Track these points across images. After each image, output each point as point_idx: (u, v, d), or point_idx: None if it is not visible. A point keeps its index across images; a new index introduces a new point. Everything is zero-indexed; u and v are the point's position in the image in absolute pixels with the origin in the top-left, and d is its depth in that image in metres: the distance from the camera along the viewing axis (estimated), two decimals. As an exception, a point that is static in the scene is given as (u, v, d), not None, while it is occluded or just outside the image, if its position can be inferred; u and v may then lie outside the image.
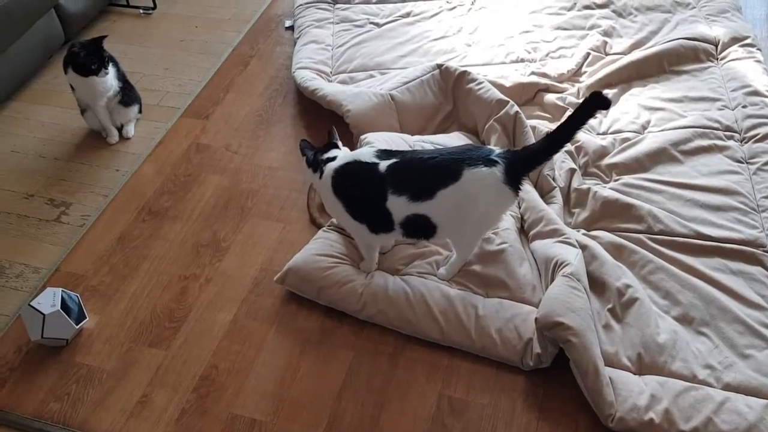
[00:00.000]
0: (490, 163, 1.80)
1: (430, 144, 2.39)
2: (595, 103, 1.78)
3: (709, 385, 1.75)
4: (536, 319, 1.81)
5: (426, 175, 1.84)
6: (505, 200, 1.87)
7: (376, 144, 2.28)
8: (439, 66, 2.60)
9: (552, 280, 1.92)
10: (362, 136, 2.39)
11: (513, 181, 1.82)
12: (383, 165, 1.87)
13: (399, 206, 1.86)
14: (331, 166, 1.94)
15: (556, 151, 1.86)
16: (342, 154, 1.97)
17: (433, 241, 2.08)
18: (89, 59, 2.52)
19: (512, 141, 2.39)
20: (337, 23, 3.12)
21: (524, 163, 1.85)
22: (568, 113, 2.45)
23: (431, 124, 2.57)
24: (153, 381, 1.92)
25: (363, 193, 1.92)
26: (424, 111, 2.56)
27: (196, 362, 1.96)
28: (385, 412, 1.81)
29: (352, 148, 2.47)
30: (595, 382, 1.70)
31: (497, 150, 1.85)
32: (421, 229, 1.90)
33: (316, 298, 2.04)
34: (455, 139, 2.46)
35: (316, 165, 1.98)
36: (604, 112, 1.85)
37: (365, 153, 1.94)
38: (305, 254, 2.10)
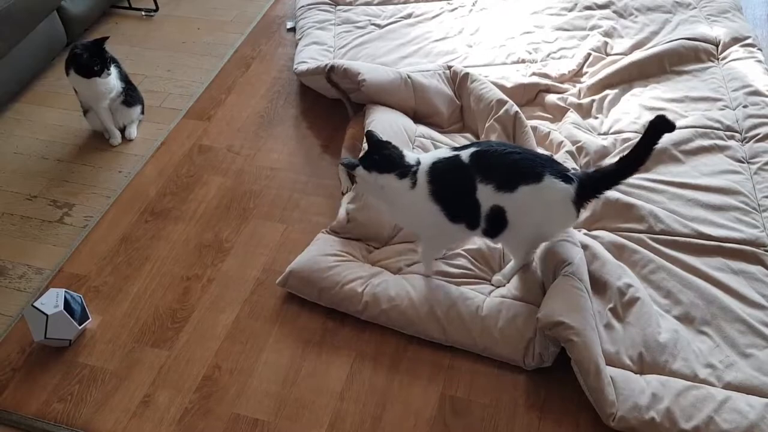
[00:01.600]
0: (567, 179, 1.81)
1: (429, 140, 2.40)
2: (661, 125, 1.79)
3: (710, 384, 1.75)
4: (537, 318, 1.81)
5: (511, 168, 1.81)
6: (568, 220, 1.88)
7: (380, 130, 2.29)
8: (449, 67, 2.63)
9: (554, 279, 1.92)
10: (367, 120, 2.39)
11: (579, 203, 1.83)
12: (465, 154, 1.84)
13: (486, 195, 1.82)
14: (422, 172, 1.85)
15: (627, 176, 1.86)
16: (423, 157, 1.89)
17: (496, 240, 1.98)
18: (92, 60, 2.53)
19: (512, 141, 2.40)
20: (339, 25, 3.13)
21: (594, 186, 1.86)
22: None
23: (447, 110, 2.57)
24: (156, 381, 1.93)
25: (458, 187, 1.84)
26: (441, 94, 2.57)
27: (199, 362, 1.96)
28: (387, 413, 1.82)
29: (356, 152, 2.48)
30: (597, 381, 1.70)
31: (571, 168, 1.86)
32: (496, 224, 1.86)
33: (318, 299, 2.05)
34: (460, 139, 2.48)
35: (406, 174, 1.84)
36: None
37: (440, 152, 1.91)
38: (306, 256, 2.11)
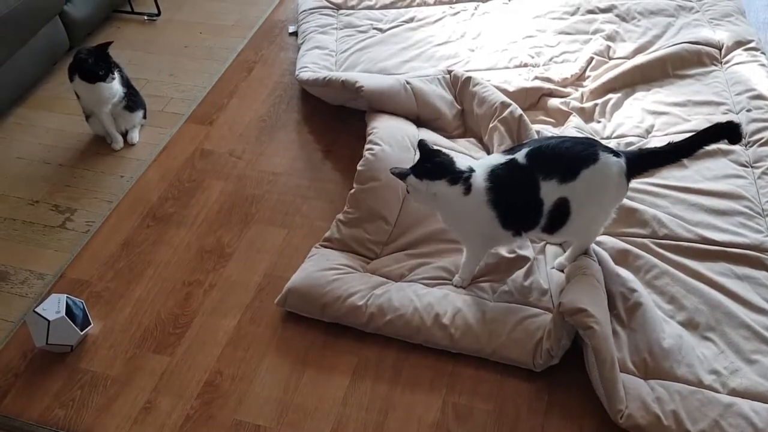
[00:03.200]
0: (616, 154, 1.81)
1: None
2: (726, 131, 1.81)
3: (715, 390, 1.74)
4: (560, 303, 1.80)
5: (568, 155, 1.80)
6: (620, 195, 1.88)
7: (383, 138, 2.31)
8: (449, 72, 2.63)
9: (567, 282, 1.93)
10: (368, 129, 2.40)
11: (628, 177, 1.83)
12: (520, 156, 1.82)
13: (550, 191, 1.80)
14: (478, 179, 1.82)
15: (674, 161, 1.88)
16: (476, 165, 1.87)
17: (556, 235, 1.95)
18: (97, 65, 2.53)
19: (516, 143, 2.39)
20: (341, 29, 3.13)
21: (641, 162, 1.85)
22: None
23: (450, 113, 2.57)
24: (157, 387, 1.92)
25: (522, 190, 1.83)
26: (441, 98, 2.57)
27: (201, 368, 1.96)
28: (390, 419, 1.81)
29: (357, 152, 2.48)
30: (612, 373, 1.70)
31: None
32: (558, 217, 1.84)
33: (321, 316, 2.02)
34: (465, 143, 2.48)
35: (458, 180, 1.82)
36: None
37: (492, 158, 1.89)
38: (303, 273, 2.08)
